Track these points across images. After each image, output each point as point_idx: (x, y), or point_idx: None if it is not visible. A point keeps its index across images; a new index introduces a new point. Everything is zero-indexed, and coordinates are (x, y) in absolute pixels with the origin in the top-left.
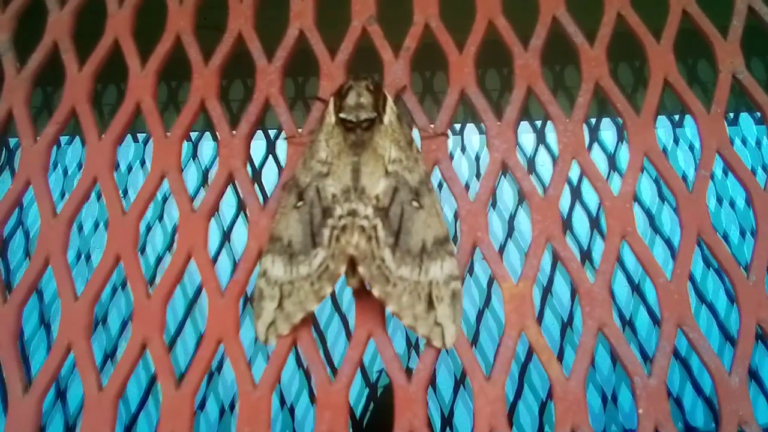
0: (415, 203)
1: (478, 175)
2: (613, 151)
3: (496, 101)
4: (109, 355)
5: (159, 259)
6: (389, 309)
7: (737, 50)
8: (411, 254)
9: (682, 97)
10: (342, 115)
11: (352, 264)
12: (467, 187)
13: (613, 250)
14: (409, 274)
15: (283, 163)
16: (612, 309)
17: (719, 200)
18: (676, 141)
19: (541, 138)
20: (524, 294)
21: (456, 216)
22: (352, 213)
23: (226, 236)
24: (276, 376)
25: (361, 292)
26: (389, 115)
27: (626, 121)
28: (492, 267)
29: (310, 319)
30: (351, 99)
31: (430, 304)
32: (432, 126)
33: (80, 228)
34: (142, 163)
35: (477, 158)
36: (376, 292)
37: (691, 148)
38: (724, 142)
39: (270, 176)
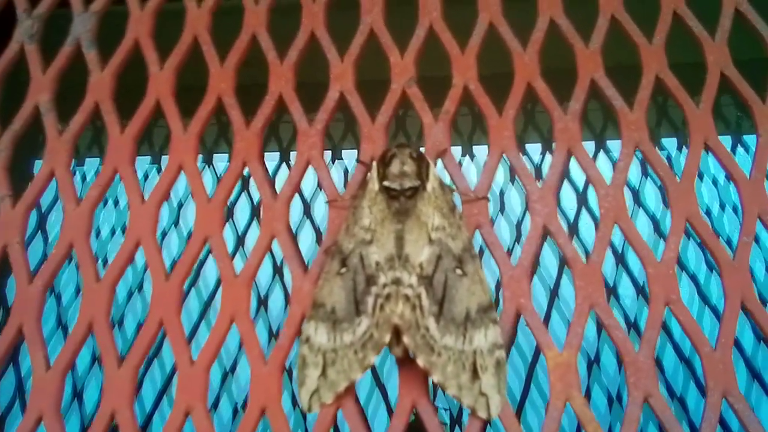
0: (458, 270)
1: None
2: (637, 186)
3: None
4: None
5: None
6: (434, 379)
7: None
8: (455, 323)
9: (722, 162)
10: (386, 183)
11: (396, 332)
12: (492, 223)
13: (657, 317)
14: (454, 343)
15: (307, 194)
16: (657, 379)
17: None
18: (700, 176)
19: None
20: (569, 363)
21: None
22: (396, 281)
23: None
24: None
25: (404, 361)
26: (432, 182)
27: (667, 187)
28: (536, 335)
29: (354, 388)
30: (395, 167)
31: (475, 374)
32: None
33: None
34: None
35: (501, 193)
36: (420, 362)
37: (715, 182)
38: (766, 208)
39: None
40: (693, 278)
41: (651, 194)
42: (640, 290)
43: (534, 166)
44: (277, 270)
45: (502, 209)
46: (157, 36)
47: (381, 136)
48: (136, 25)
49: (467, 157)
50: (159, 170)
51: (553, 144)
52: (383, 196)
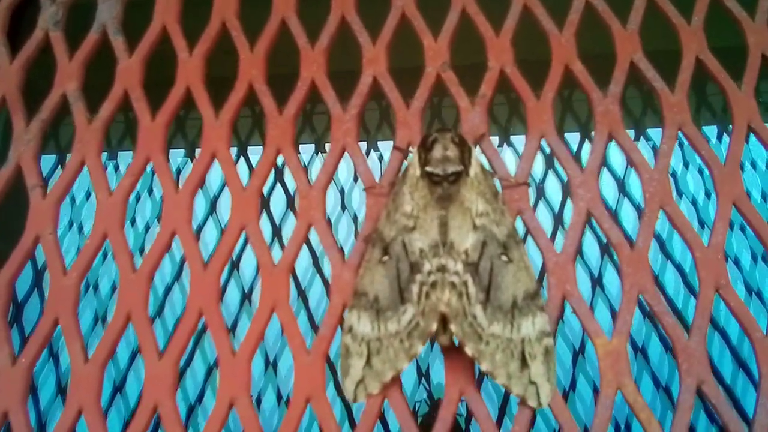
0: (504, 257)
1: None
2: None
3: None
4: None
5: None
6: (482, 367)
7: None
8: (502, 310)
9: (766, 143)
10: (428, 169)
11: (443, 321)
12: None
13: (707, 303)
14: (501, 331)
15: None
16: (709, 366)
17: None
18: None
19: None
20: (619, 350)
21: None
22: (442, 268)
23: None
24: None
25: (450, 350)
26: (474, 167)
27: (712, 170)
28: (583, 322)
29: (400, 377)
30: (437, 152)
31: (524, 362)
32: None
33: None
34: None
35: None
36: (469, 350)
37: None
38: None
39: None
40: (737, 263)
41: (691, 182)
42: (684, 279)
43: (572, 155)
44: (315, 259)
45: (539, 197)
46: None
47: (416, 121)
48: (164, 11)
49: (504, 146)
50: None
51: (592, 132)
52: (425, 181)
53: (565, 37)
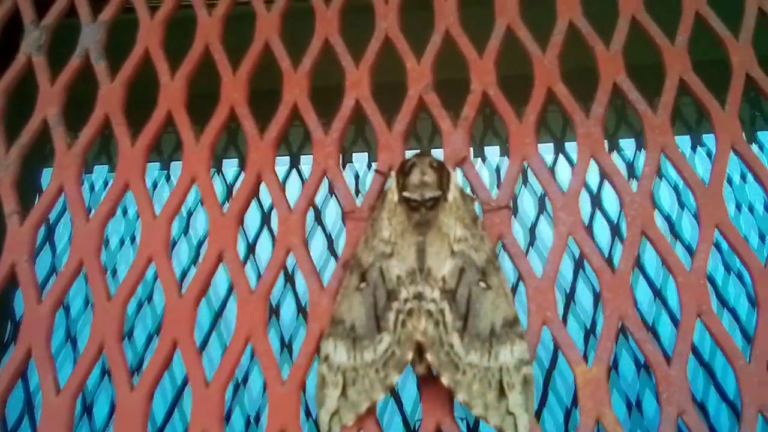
0: (482, 284)
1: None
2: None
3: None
4: None
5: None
6: (459, 398)
7: None
8: (480, 338)
9: (750, 165)
10: (406, 194)
11: (419, 350)
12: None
13: (688, 330)
14: (479, 360)
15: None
16: (690, 394)
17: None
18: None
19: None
20: (599, 379)
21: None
22: (418, 296)
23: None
24: None
25: (427, 379)
26: (453, 192)
27: (695, 192)
28: (564, 350)
29: (375, 408)
30: (415, 177)
31: (501, 392)
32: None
33: None
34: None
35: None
36: (445, 380)
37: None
38: None
39: None
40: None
41: (666, 195)
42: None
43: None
44: (289, 279)
45: (514, 213)
46: (166, 43)
47: (398, 144)
48: (147, 35)
49: (479, 160)
50: (168, 177)
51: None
52: (403, 207)
53: (548, 59)
